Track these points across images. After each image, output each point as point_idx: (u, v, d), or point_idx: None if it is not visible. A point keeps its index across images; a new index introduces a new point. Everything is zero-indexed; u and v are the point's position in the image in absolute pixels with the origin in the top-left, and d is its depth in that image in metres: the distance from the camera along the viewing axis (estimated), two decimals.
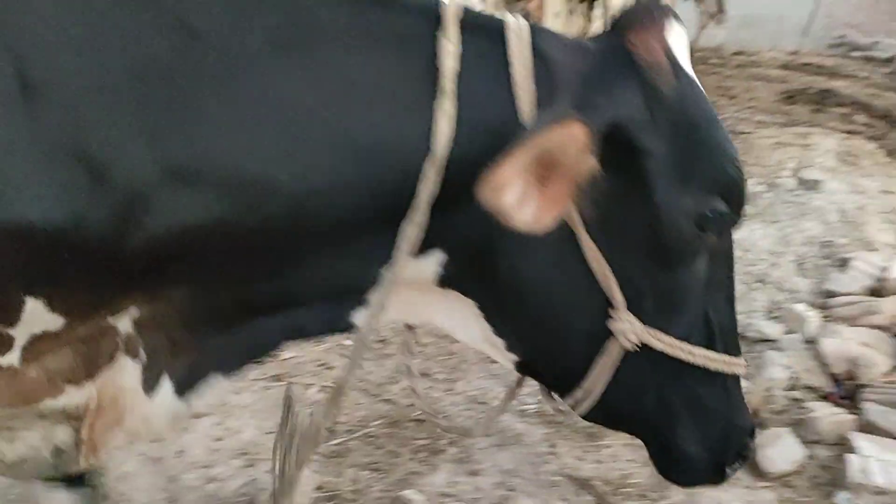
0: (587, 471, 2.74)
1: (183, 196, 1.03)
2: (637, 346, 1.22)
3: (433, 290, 1.27)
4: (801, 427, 3.00)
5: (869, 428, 3.00)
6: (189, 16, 1.02)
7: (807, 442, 2.94)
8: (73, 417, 1.25)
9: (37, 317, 1.05)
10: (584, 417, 1.36)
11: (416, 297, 1.28)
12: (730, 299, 1.31)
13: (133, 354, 1.20)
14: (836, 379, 3.30)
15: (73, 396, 1.20)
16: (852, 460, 2.74)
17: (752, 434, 1.41)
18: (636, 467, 2.78)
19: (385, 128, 1.10)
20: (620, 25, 1.19)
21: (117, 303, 1.13)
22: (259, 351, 1.29)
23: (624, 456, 2.83)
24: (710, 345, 1.28)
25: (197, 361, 1.25)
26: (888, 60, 14.64)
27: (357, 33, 1.10)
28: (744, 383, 3.21)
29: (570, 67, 1.14)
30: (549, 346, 1.28)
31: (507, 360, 1.35)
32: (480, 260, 1.19)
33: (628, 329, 1.20)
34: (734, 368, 1.33)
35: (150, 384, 1.23)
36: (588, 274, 1.18)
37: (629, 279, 1.19)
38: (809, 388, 3.27)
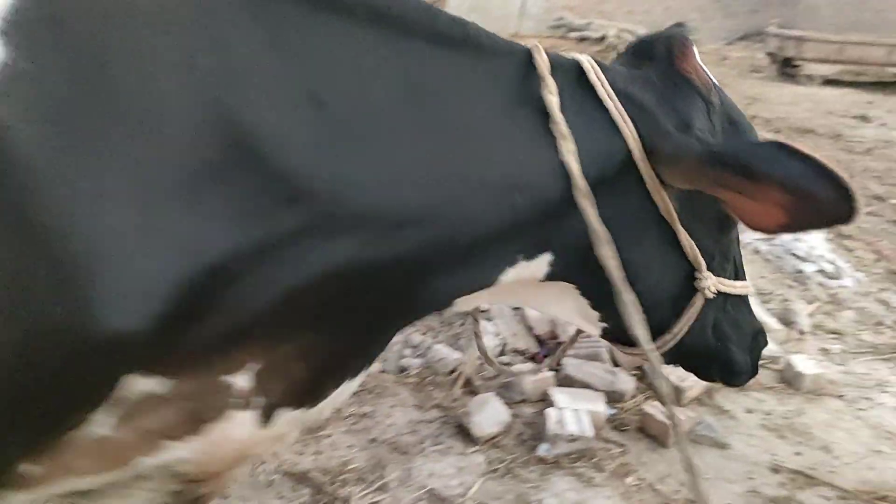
0: (306, 464, 2.73)
1: (331, 244, 1.09)
2: (714, 294, 1.56)
3: (537, 284, 1.47)
4: (508, 389, 3.21)
5: (567, 381, 3.29)
6: (318, 90, 1.09)
7: (514, 402, 3.15)
8: (179, 472, 1.24)
9: (132, 385, 1.03)
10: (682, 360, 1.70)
11: (520, 288, 1.49)
12: (738, 238, 1.68)
13: (248, 406, 1.20)
14: (540, 340, 3.57)
15: (173, 452, 1.18)
16: (550, 413, 2.98)
17: (764, 333, 1.82)
18: (355, 452, 2.82)
19: (509, 165, 1.26)
20: (662, 53, 1.47)
21: (233, 360, 1.13)
22: (378, 353, 1.43)
23: (343, 443, 2.86)
24: (738, 277, 1.67)
25: (318, 382, 1.30)
26: (600, 39, 16.11)
27: (468, 83, 1.25)
28: (457, 355, 3.37)
29: (643, 96, 1.39)
30: (645, 309, 1.45)
31: (595, 327, 1.61)
32: (586, 255, 1.36)
33: (710, 284, 1.54)
34: (750, 290, 1.73)
35: (265, 420, 1.24)
36: (679, 251, 1.48)
37: (704, 247, 1.51)
38: (517, 352, 3.51)
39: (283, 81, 1.06)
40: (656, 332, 1.53)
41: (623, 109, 1.35)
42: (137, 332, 0.93)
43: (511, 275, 1.38)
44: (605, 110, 1.35)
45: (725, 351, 1.69)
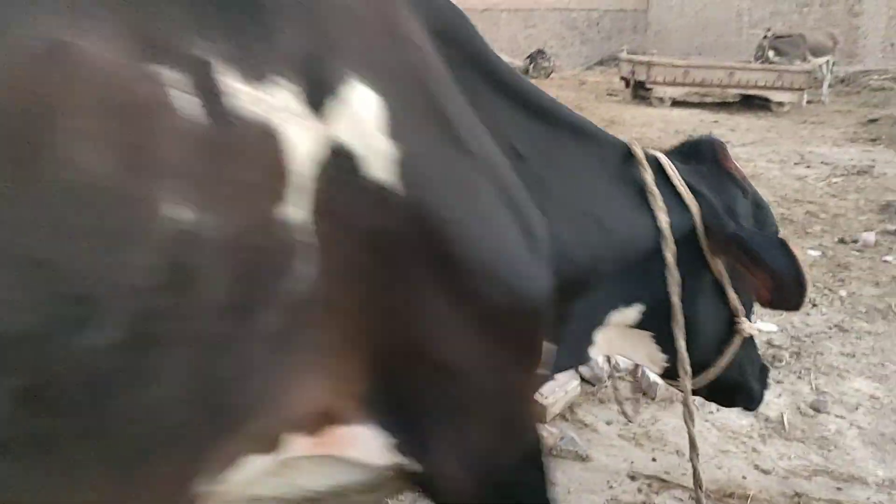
0: None
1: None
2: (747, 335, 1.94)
3: (625, 330, 1.84)
4: None
5: None
6: (516, 144, 1.47)
7: None
8: None
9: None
10: (697, 392, 2.06)
11: (613, 333, 1.83)
12: None
13: None
14: None
15: None
16: None
17: (767, 368, 2.23)
18: None
19: (625, 226, 1.65)
20: (708, 153, 1.91)
21: None
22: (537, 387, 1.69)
23: None
24: (751, 320, 2.01)
25: None
26: None
27: (593, 162, 1.66)
28: None
29: (700, 184, 1.80)
30: (698, 349, 1.87)
31: (658, 367, 1.95)
32: (666, 305, 1.75)
33: (747, 326, 1.92)
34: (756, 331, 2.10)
35: None
36: (726, 302, 1.87)
37: (740, 297, 1.88)
38: None
39: (502, 139, 1.42)
40: (702, 367, 1.93)
41: (691, 194, 1.76)
42: (548, 298, 1.38)
43: (615, 318, 1.77)
44: (677, 193, 1.75)
45: (746, 382, 2.08)
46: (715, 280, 1.83)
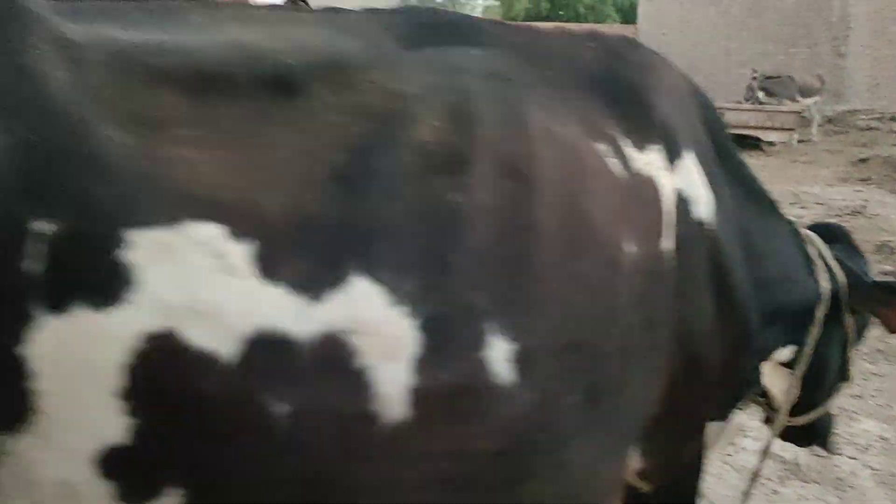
0: None
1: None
2: None
3: (775, 365, 2.10)
4: None
5: None
6: (739, 210, 1.78)
7: None
8: None
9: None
10: (788, 432, 2.32)
11: (770, 368, 2.10)
12: None
13: None
14: None
15: None
16: None
17: None
18: None
19: (799, 287, 2.01)
20: (841, 235, 2.31)
21: None
22: (725, 414, 1.94)
23: None
24: None
25: None
26: None
27: (780, 236, 2.03)
28: None
29: (842, 256, 2.15)
30: (824, 390, 2.22)
31: (788, 403, 2.16)
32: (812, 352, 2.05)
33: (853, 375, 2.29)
34: None
35: None
36: (846, 352, 2.19)
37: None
38: None
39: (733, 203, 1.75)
40: (812, 407, 2.23)
41: (838, 265, 2.10)
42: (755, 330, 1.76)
43: (777, 355, 2.07)
44: (827, 263, 2.10)
45: (826, 423, 2.40)
46: (844, 334, 2.18)
